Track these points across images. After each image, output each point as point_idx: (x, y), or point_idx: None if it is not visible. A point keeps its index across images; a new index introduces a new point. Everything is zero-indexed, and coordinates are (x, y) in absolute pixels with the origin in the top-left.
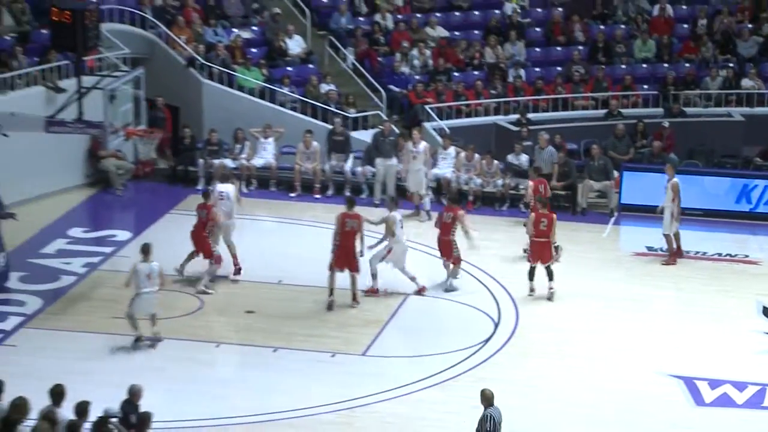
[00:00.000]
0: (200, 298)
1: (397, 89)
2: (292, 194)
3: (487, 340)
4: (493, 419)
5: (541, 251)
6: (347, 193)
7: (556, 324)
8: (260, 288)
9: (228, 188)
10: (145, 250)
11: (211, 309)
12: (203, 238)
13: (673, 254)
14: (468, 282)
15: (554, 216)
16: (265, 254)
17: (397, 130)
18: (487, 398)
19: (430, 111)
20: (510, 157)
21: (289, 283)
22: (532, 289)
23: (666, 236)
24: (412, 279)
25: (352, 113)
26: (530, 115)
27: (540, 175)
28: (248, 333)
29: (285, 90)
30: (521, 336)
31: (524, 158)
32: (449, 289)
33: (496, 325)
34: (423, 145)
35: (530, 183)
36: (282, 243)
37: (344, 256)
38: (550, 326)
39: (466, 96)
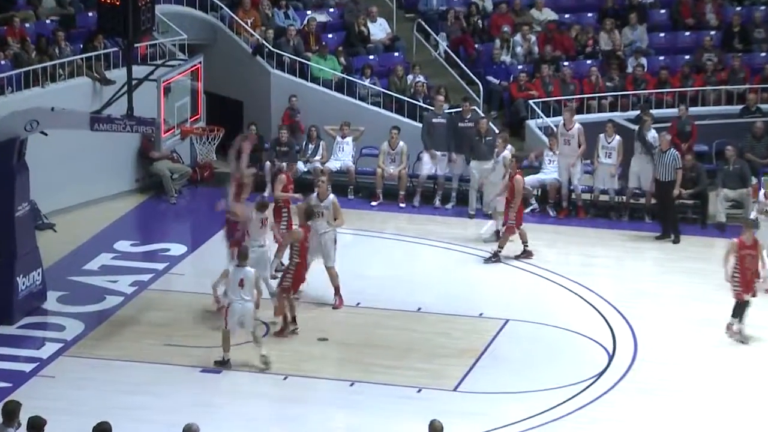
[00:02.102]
0: (266, 324)
1: (496, 81)
2: (373, 203)
3: (599, 375)
4: None
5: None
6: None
7: (681, 356)
8: (334, 312)
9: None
10: (243, 254)
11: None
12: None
13: None
14: (577, 305)
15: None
16: (340, 272)
17: (496, 129)
18: (434, 429)
19: (534, 106)
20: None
21: (369, 306)
22: (743, 337)
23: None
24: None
25: (445, 109)
26: (653, 111)
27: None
28: (321, 364)
29: (366, 82)
30: (640, 370)
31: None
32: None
33: (611, 357)
34: (507, 151)
35: (518, 177)
36: (360, 259)
37: (302, 277)
38: (674, 359)
39: (577, 88)
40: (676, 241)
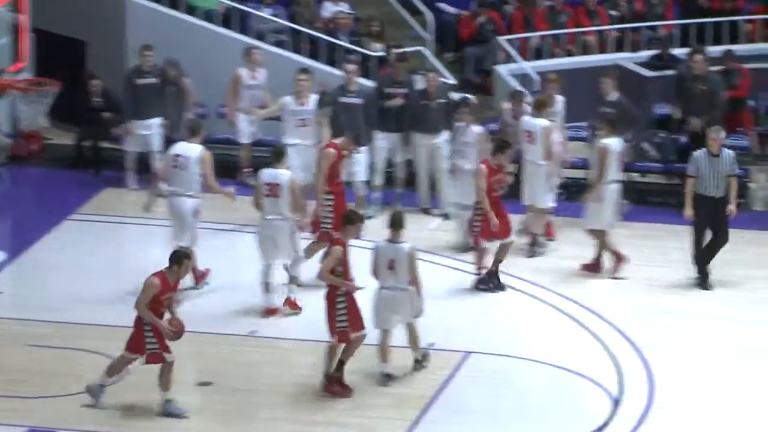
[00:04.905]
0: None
1: (451, 10)
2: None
3: (600, 430)
4: None
5: None
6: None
7: (715, 403)
8: (222, 344)
9: (193, 150)
10: (396, 222)
11: (142, 378)
12: None
13: (596, 261)
14: (569, 331)
15: None
16: (230, 287)
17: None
18: None
19: (507, 46)
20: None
21: (272, 336)
22: None
23: (593, 233)
24: None
25: (378, 51)
26: (676, 51)
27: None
28: (199, 419)
29: (265, 13)
30: (657, 422)
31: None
32: None
33: (616, 403)
34: (476, 129)
35: (483, 167)
36: (255, 267)
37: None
38: (706, 406)
39: (569, 19)
40: (705, 285)
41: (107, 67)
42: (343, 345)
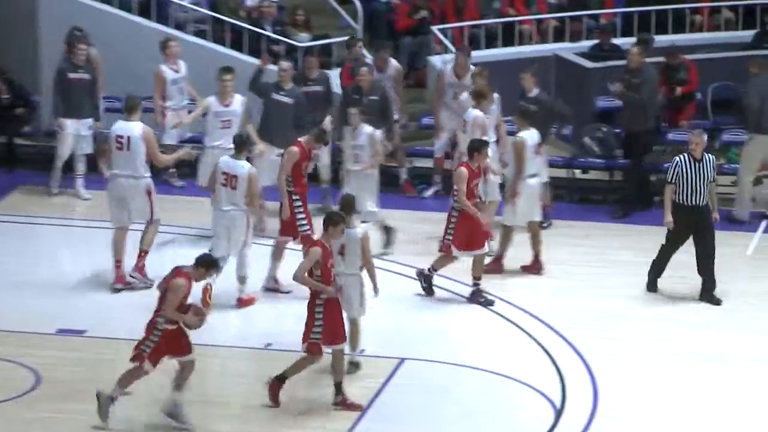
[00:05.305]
0: (37, 371)
1: None
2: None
3: None
4: None
5: None
6: None
7: (664, 408)
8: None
9: (134, 128)
10: (347, 207)
11: (54, 388)
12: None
13: (498, 258)
14: (510, 336)
15: None
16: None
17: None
18: None
19: (441, 36)
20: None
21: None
22: None
23: (504, 228)
24: None
25: (304, 41)
26: (617, 41)
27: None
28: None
29: (185, 1)
30: (601, 430)
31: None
32: None
33: (559, 412)
34: (367, 130)
35: (463, 170)
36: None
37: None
38: (652, 412)
39: (503, 6)
40: (652, 288)
41: (19, 59)
42: (313, 356)
